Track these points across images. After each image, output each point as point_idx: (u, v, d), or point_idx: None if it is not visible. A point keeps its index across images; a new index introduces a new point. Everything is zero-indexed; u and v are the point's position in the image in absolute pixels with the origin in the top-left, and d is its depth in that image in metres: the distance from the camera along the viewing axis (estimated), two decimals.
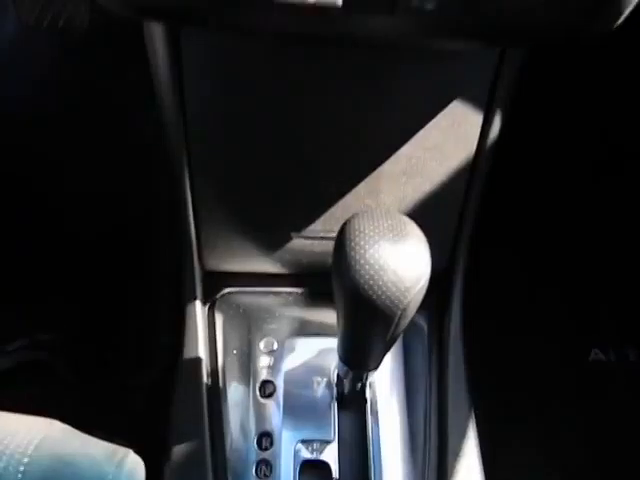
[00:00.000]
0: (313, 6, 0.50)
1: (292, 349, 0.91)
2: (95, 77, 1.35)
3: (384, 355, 0.71)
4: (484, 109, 0.78)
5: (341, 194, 0.83)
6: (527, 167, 1.31)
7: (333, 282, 0.61)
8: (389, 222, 0.59)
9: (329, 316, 0.91)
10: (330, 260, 0.61)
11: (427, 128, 0.77)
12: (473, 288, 0.99)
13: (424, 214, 0.84)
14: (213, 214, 0.87)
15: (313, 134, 0.77)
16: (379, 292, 0.56)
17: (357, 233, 0.58)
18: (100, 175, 1.24)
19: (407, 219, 0.60)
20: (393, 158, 0.80)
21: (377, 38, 0.61)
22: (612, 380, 1.36)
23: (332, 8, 0.50)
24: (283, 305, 0.95)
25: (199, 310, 0.93)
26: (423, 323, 0.95)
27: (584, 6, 0.51)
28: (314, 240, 0.88)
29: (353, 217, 0.60)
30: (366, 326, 0.62)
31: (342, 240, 0.58)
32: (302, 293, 0.96)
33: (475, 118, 0.78)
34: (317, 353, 0.90)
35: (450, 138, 0.79)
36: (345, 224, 0.60)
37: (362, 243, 0.57)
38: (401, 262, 0.56)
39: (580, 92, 1.22)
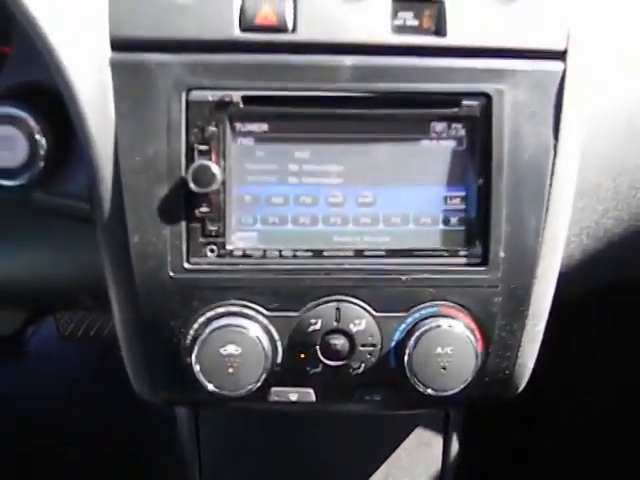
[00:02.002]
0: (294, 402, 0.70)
1: None
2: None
3: None
4: (442, 435, 0.93)
5: None
6: None
7: None
8: None
9: None
10: None
11: (397, 451, 0.92)
12: None
13: None
14: None
15: (296, 469, 0.93)
16: None
17: None
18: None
19: None
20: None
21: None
22: None
23: (307, 402, 0.70)
24: None
25: None
26: None
27: (488, 389, 0.68)
28: None
29: None
30: None
31: None
32: None
33: (437, 442, 0.94)
34: None
35: (416, 458, 0.93)
36: None
37: None
38: None
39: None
